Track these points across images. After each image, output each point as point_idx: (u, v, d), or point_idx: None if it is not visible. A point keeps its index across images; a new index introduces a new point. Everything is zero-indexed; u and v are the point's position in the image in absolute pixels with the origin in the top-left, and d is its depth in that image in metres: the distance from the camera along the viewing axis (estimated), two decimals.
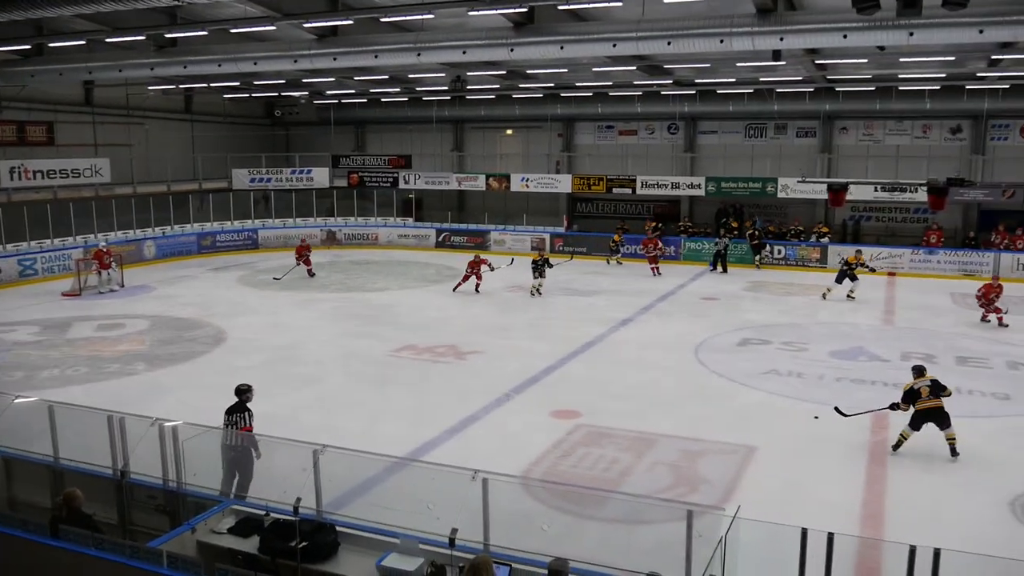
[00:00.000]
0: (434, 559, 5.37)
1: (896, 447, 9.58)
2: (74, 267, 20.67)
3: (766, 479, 8.97)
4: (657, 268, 23.46)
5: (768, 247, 25.11)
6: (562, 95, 29.02)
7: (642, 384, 12.59)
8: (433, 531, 5.47)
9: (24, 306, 18.46)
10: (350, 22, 17.12)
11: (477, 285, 20.13)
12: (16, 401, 7.67)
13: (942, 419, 9.39)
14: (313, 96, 32.35)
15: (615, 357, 14.35)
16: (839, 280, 19.35)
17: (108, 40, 19.78)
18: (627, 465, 9.36)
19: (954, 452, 9.40)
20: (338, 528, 5.82)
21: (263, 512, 6.07)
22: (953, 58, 20.13)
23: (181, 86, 28.37)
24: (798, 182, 25.13)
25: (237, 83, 28.07)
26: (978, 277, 22.62)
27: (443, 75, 24.66)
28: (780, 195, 26.42)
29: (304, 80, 27.24)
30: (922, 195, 20.20)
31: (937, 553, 4.75)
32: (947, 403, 9.46)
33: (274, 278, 22.08)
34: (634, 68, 22.60)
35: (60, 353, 14.37)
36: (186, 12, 17.83)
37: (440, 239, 29.48)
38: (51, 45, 20.49)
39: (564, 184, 29.58)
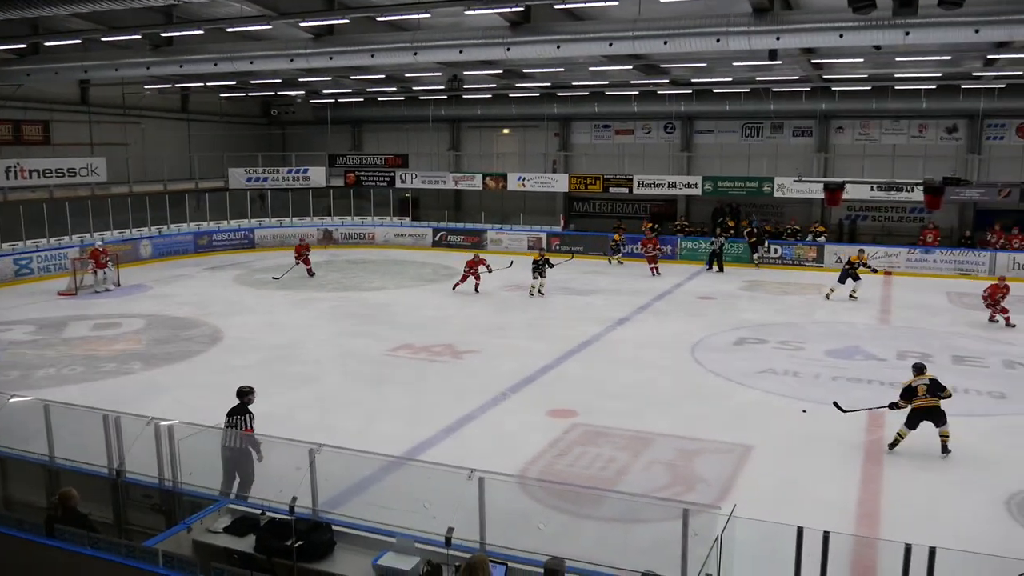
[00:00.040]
0: (430, 558, 5.36)
1: (893, 446, 9.58)
2: (70, 266, 20.63)
3: (762, 478, 8.98)
4: (656, 268, 23.49)
5: (766, 245, 25.15)
6: (558, 94, 28.99)
7: (638, 383, 12.60)
8: (429, 530, 5.47)
9: (20, 305, 18.42)
10: (346, 21, 17.15)
11: (476, 285, 20.10)
12: (12, 400, 7.64)
13: (938, 417, 9.41)
14: (309, 95, 32.32)
15: (612, 356, 14.36)
16: (842, 280, 19.35)
17: (104, 39, 19.74)
18: (623, 464, 9.37)
19: (945, 449, 9.41)
20: (334, 527, 5.81)
21: (259, 511, 6.07)
22: (949, 57, 20.14)
23: (177, 85, 28.31)
24: (794, 181, 25.11)
25: (233, 82, 28.01)
26: (974, 276, 22.70)
27: (439, 74, 24.66)
28: (776, 194, 26.49)
29: (300, 79, 27.22)
30: (918, 194, 20.25)
31: (933, 552, 4.76)
32: (944, 402, 9.43)
33: (273, 277, 22.05)
34: (630, 67, 22.61)
35: (56, 352, 14.34)
36: (182, 11, 17.80)
37: (437, 238, 29.48)
38: (47, 44, 20.44)
39: (561, 183, 29.60)
